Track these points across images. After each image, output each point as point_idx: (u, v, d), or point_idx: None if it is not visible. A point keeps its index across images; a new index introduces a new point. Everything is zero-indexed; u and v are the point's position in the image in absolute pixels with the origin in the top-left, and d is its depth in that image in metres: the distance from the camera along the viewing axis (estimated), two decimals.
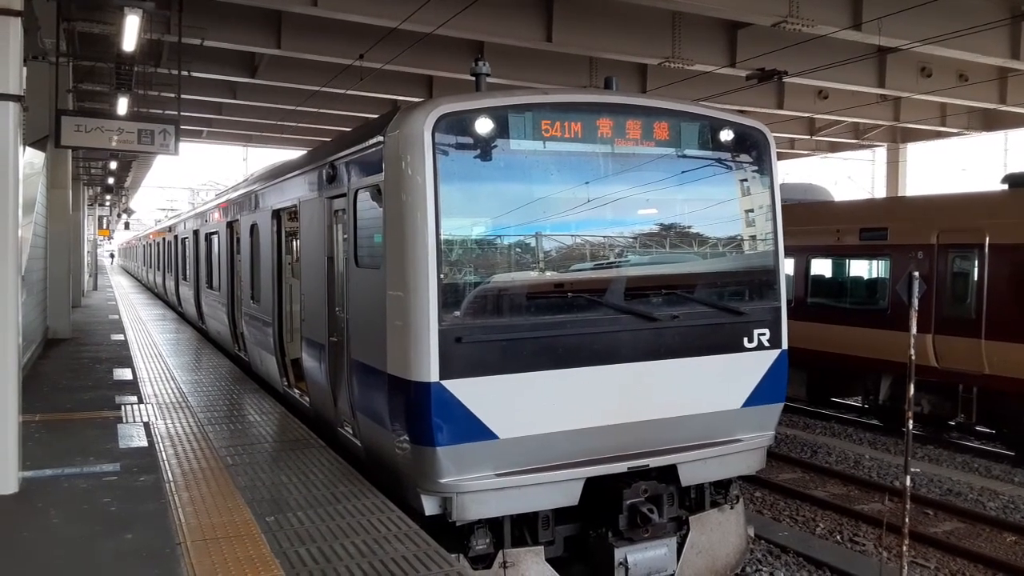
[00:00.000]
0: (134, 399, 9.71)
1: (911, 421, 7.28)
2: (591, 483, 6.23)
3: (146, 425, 8.34)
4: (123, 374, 11.62)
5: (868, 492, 11.18)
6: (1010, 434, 13.08)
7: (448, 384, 5.68)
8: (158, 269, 28.76)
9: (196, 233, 17.18)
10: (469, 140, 5.90)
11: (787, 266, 10.13)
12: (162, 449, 7.41)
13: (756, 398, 6.90)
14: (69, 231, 17.60)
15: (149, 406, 9.33)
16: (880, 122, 25.61)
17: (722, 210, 7.18)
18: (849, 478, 11.74)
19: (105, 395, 9.99)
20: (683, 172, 6.83)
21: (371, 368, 6.39)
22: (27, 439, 6.95)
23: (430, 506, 5.94)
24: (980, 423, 13.62)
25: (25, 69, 6.61)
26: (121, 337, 16.19)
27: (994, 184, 14.49)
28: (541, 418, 5.99)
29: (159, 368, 12.18)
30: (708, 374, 6.66)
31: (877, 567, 8.02)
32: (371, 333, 6.35)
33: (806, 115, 24.63)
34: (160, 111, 17.20)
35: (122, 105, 13.92)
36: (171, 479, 6.47)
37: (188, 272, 18.77)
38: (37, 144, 12.25)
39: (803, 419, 15.88)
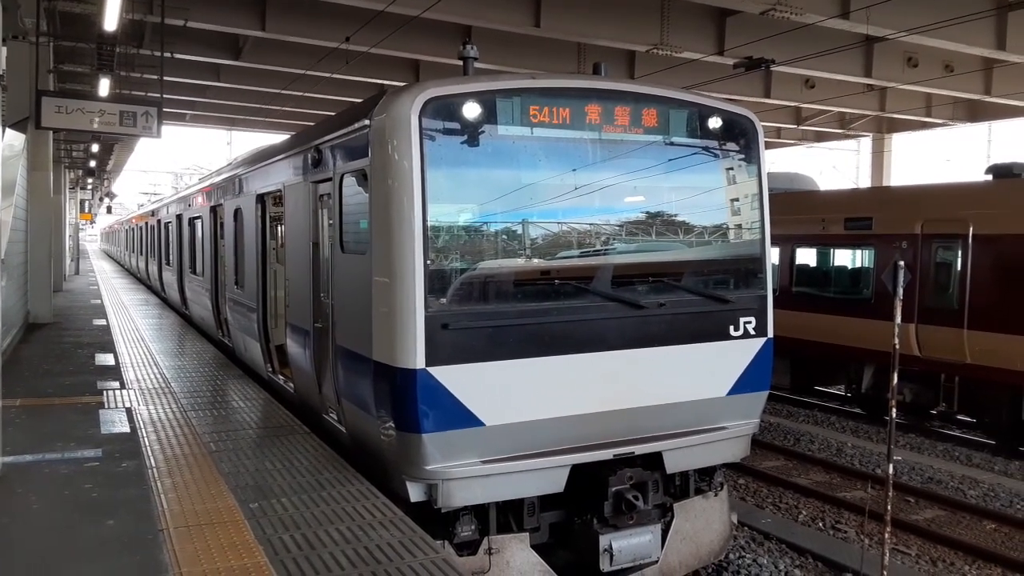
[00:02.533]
0: (116, 384, 9.62)
1: (894, 410, 7.33)
2: (577, 470, 6.23)
3: (128, 411, 8.26)
4: (105, 359, 11.51)
5: (850, 480, 11.27)
6: (991, 423, 13.21)
7: (434, 371, 5.65)
8: (140, 254, 28.51)
9: (179, 217, 17.01)
10: (456, 125, 5.84)
11: (772, 255, 10.15)
12: (145, 435, 7.34)
13: (741, 386, 6.91)
14: (50, 214, 17.39)
15: (132, 392, 9.24)
16: (866, 112, 25.71)
17: (710, 198, 7.17)
18: (832, 466, 11.82)
19: (87, 380, 9.89)
20: (671, 159, 6.79)
21: (356, 354, 6.35)
22: (7, 424, 6.87)
23: (415, 493, 5.92)
24: (962, 412, 13.76)
25: (4, 49, 6.50)
26: (103, 322, 16.04)
27: (978, 175, 14.61)
28: (527, 405, 5.97)
29: (142, 353, 12.07)
30: (694, 362, 6.66)
31: (859, 554, 8.08)
32: (356, 319, 6.31)
33: (793, 104, 24.68)
34: (143, 93, 17.01)
35: (104, 86, 13.73)
36: (154, 465, 6.41)
37: (171, 257, 18.60)
38: (17, 125, 12.06)
39: (787, 407, 15.98)
